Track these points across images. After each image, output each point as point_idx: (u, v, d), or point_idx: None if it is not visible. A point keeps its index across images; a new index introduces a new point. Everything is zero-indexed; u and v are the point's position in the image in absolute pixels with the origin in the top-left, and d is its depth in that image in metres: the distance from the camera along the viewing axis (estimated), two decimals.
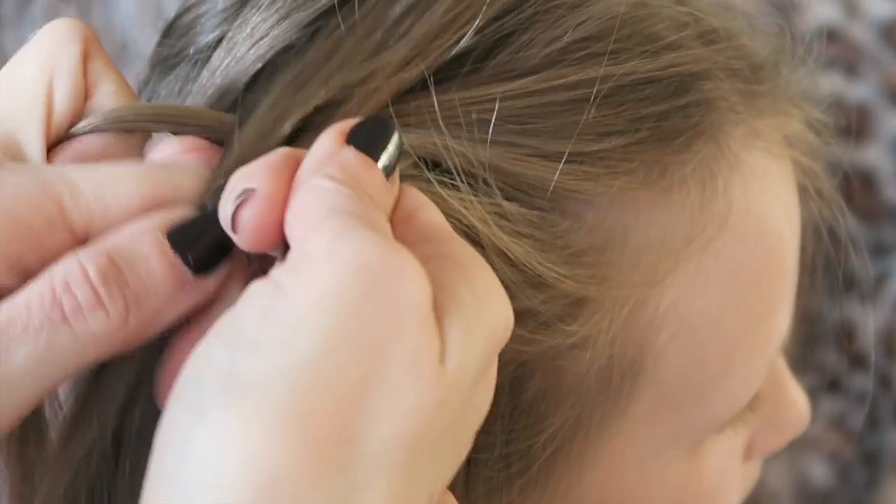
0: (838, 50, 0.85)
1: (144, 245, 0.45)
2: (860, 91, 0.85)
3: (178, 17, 0.55)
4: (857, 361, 0.86)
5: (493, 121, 0.51)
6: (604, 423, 0.54)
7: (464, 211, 0.50)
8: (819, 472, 0.87)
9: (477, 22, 0.51)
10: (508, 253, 0.50)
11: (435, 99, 0.50)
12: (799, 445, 0.79)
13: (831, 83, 0.85)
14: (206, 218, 0.46)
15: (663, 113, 0.53)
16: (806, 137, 0.60)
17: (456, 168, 0.50)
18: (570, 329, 0.52)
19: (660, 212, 0.53)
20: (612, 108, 0.52)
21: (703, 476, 0.58)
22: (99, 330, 0.44)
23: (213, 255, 0.46)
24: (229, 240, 0.45)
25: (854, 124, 0.84)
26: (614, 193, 0.52)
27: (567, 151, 0.51)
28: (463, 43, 0.51)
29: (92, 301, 0.44)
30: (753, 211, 0.55)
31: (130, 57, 0.85)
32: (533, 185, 0.51)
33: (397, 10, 0.51)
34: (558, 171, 0.51)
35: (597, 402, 0.54)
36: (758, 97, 0.56)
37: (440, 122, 0.50)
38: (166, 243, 0.45)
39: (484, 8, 0.51)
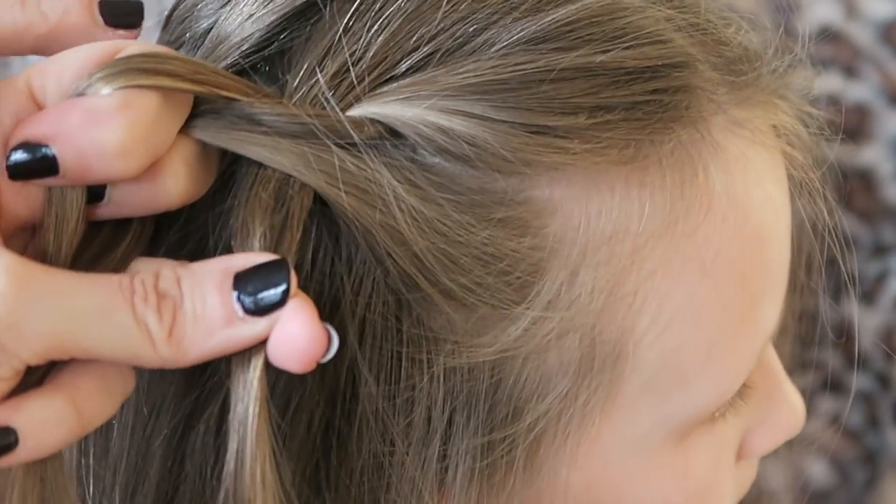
0: (838, 50, 0.85)
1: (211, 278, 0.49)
2: (860, 91, 0.85)
3: (176, 7, 0.56)
4: (857, 361, 0.86)
5: (458, 91, 0.51)
6: (587, 409, 0.55)
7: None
8: (818, 471, 0.87)
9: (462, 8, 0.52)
10: (439, 220, 0.51)
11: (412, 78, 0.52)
12: (798, 445, 0.79)
13: (831, 83, 0.85)
14: (276, 267, 0.49)
15: (638, 95, 0.53)
16: (795, 130, 0.60)
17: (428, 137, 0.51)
18: (519, 310, 0.52)
19: (635, 189, 0.53)
20: (581, 87, 0.52)
21: (689, 470, 0.58)
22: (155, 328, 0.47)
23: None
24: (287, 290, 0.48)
25: (853, 124, 0.84)
26: (583, 167, 0.52)
27: (532, 123, 0.51)
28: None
29: (153, 299, 0.47)
30: (735, 199, 0.55)
31: None
32: (489, 151, 0.51)
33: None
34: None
35: (581, 388, 0.54)
36: (739, 87, 0.56)
37: (417, 95, 0.51)
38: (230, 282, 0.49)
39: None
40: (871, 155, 0.85)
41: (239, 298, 0.48)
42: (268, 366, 0.49)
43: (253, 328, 0.49)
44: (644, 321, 0.54)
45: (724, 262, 0.55)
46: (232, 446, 0.49)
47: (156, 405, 0.55)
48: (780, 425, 0.63)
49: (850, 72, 0.86)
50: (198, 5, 0.55)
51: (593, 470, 0.56)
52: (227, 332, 0.48)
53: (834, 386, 0.86)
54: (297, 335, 0.48)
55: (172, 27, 0.56)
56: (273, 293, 0.48)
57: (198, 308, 0.48)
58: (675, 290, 0.54)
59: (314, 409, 0.53)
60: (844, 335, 0.82)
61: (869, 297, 0.85)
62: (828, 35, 0.84)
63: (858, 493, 0.88)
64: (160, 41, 0.57)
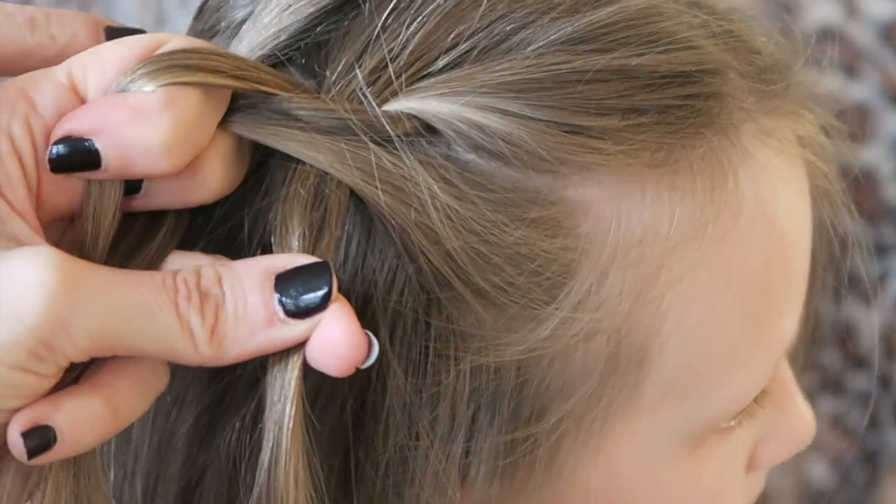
0: (838, 50, 0.85)
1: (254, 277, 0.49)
2: (860, 91, 0.85)
3: None
4: (857, 361, 0.86)
5: (492, 89, 0.51)
6: (609, 411, 0.55)
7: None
8: (819, 472, 0.87)
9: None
10: (474, 219, 0.51)
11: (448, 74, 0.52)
12: None
13: (831, 83, 0.85)
14: (318, 270, 0.49)
15: (670, 99, 0.53)
16: (818, 139, 0.60)
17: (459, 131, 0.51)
18: (548, 310, 0.52)
19: (666, 193, 0.53)
20: (615, 89, 0.52)
21: (703, 477, 0.58)
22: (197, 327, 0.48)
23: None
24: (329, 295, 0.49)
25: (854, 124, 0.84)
26: (616, 169, 0.53)
27: (567, 122, 0.52)
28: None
29: (196, 299, 0.48)
30: (763, 206, 0.55)
31: None
32: (525, 149, 0.52)
33: None
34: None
35: (604, 390, 0.54)
36: (769, 97, 0.56)
37: (450, 92, 0.51)
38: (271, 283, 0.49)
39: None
40: (871, 155, 0.85)
41: (280, 300, 0.48)
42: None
43: (293, 330, 0.49)
44: (669, 325, 0.54)
45: (750, 270, 0.55)
46: (267, 445, 0.49)
47: (179, 394, 0.55)
48: (790, 438, 0.63)
49: (850, 72, 0.86)
50: None
51: (612, 472, 0.56)
52: (268, 334, 0.49)
53: (834, 386, 0.86)
54: (338, 340, 0.49)
55: (206, 16, 0.56)
56: (314, 296, 0.49)
57: (239, 308, 0.48)
58: (701, 295, 0.54)
59: (343, 403, 0.53)
60: (845, 336, 0.82)
61: (869, 297, 0.85)
62: (828, 35, 0.84)
63: (859, 494, 0.88)
64: (192, 30, 0.57)
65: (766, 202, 0.55)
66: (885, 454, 0.87)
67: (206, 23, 0.56)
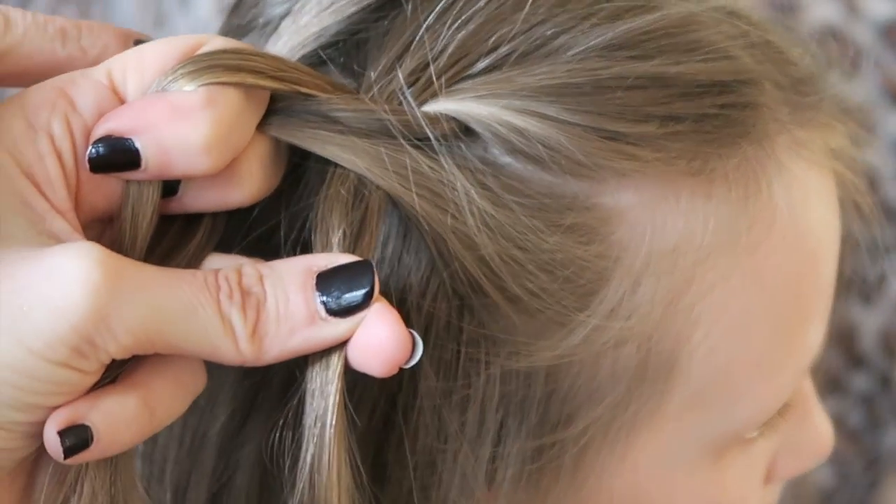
0: (838, 50, 0.85)
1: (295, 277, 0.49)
2: (860, 91, 0.85)
3: None
4: (857, 361, 0.86)
5: (531, 93, 0.51)
6: (636, 418, 0.55)
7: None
8: (819, 472, 0.87)
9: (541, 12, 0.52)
10: (510, 225, 0.51)
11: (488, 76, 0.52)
12: None
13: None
14: (360, 269, 0.49)
15: (707, 108, 0.53)
16: (849, 151, 0.60)
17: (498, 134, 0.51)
18: (581, 317, 0.52)
19: (701, 202, 0.53)
20: (653, 96, 0.52)
21: (724, 487, 0.58)
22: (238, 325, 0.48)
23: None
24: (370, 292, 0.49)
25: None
26: (652, 176, 0.52)
27: (604, 128, 0.51)
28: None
29: (238, 297, 0.48)
30: (795, 218, 0.55)
31: None
32: (563, 154, 0.51)
33: None
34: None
35: (632, 397, 0.54)
36: (803, 108, 0.56)
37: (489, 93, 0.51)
38: (312, 281, 0.48)
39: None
40: (871, 155, 0.85)
41: (322, 299, 0.48)
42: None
43: (335, 329, 0.48)
44: (699, 333, 0.54)
45: (781, 280, 0.55)
46: (308, 445, 0.49)
47: (213, 393, 0.55)
48: (808, 451, 0.63)
49: (850, 72, 0.85)
50: None
51: (636, 479, 0.56)
52: (309, 332, 0.48)
53: (834, 386, 0.86)
54: (383, 340, 0.48)
55: (243, 11, 0.56)
56: (356, 295, 0.48)
57: (281, 307, 0.48)
58: (731, 304, 0.54)
59: (374, 404, 0.53)
60: (845, 336, 0.82)
61: (869, 297, 0.85)
62: (828, 35, 0.84)
63: (859, 494, 0.88)
64: (226, 25, 0.57)
65: (799, 213, 0.55)
66: (886, 454, 0.88)
67: (244, 18, 0.56)
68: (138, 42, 0.52)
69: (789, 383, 0.58)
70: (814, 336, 0.58)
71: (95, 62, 0.51)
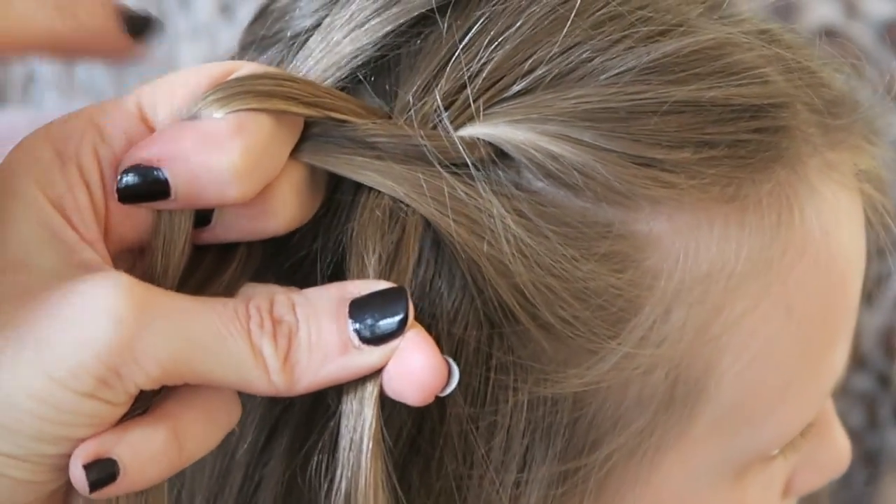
0: (838, 50, 0.85)
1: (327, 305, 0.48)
2: (860, 91, 0.85)
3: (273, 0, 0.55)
4: (857, 361, 0.86)
5: (566, 117, 0.51)
6: (662, 442, 0.54)
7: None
8: None
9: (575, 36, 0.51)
10: (545, 253, 0.51)
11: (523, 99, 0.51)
12: None
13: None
14: (394, 295, 0.48)
15: (741, 133, 0.52)
16: (878, 173, 0.59)
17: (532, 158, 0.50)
18: (612, 345, 0.52)
19: (734, 229, 0.53)
20: (688, 122, 0.52)
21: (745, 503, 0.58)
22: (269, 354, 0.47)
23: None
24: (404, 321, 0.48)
25: None
26: (688, 203, 0.52)
27: (641, 155, 0.51)
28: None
29: (269, 326, 0.47)
30: (827, 242, 0.55)
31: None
32: (598, 181, 0.51)
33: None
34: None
35: (658, 422, 0.54)
36: (834, 131, 0.56)
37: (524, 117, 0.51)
38: (345, 309, 0.48)
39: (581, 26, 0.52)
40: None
41: (355, 327, 0.48)
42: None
43: (368, 358, 0.48)
44: (728, 360, 0.54)
45: (811, 305, 0.55)
46: (343, 471, 0.49)
47: (241, 419, 0.54)
48: (826, 466, 0.63)
49: (850, 72, 0.85)
50: (299, 1, 0.54)
51: (659, 500, 0.56)
52: (342, 361, 0.48)
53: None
54: (419, 368, 0.48)
55: (269, 22, 0.55)
56: (390, 322, 0.48)
57: (313, 336, 0.47)
58: (761, 330, 0.54)
59: (400, 428, 0.53)
60: None
61: (869, 297, 0.85)
62: (828, 35, 0.84)
63: (859, 494, 0.88)
64: (248, 33, 0.56)
65: (830, 237, 0.55)
66: (885, 454, 0.88)
67: (269, 30, 0.55)
68: (125, 12, 0.51)
69: (815, 405, 0.58)
70: (840, 357, 0.58)
71: (95, 34, 0.50)
